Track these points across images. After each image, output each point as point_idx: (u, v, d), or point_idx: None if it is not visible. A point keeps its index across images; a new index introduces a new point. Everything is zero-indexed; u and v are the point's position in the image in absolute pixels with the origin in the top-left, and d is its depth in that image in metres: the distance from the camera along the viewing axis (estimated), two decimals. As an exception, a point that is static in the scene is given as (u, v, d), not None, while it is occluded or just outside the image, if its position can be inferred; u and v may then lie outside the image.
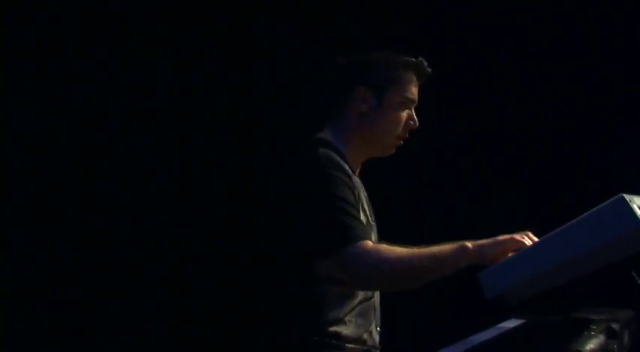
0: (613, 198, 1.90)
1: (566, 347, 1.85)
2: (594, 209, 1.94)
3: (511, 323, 2.24)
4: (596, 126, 3.76)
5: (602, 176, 3.55)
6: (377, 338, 2.38)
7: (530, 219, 2.36)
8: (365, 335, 2.31)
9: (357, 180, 2.38)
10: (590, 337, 1.93)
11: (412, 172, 3.86)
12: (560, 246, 1.96)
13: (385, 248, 2.17)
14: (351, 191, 2.24)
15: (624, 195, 1.88)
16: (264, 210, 2.58)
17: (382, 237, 2.42)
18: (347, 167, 2.32)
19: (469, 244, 2.15)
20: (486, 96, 3.96)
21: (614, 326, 2.02)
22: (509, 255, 2.11)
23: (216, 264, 3.92)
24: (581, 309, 2.11)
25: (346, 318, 2.27)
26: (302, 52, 3.86)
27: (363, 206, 2.33)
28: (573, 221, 1.97)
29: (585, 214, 1.95)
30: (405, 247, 2.17)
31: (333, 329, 2.24)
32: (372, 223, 2.44)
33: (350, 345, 2.26)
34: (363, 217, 2.27)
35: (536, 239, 2.14)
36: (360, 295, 2.31)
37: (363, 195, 2.40)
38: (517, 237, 2.15)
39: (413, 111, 2.44)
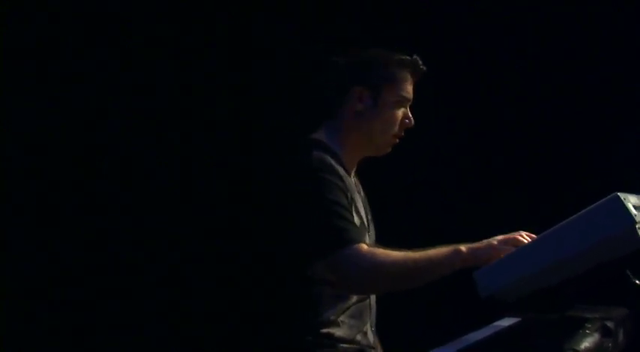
0: (608, 197, 1.90)
1: (562, 346, 1.84)
2: (589, 207, 1.93)
3: (505, 322, 2.24)
4: (596, 126, 3.75)
5: (602, 176, 3.53)
6: (372, 338, 2.38)
7: (530, 219, 2.35)
8: (358, 336, 2.32)
9: (350, 181, 2.38)
10: (585, 335, 1.93)
11: (411, 171, 3.86)
12: (555, 244, 1.96)
13: (380, 251, 2.18)
14: (344, 194, 2.24)
15: (619, 193, 1.88)
16: (262, 211, 2.57)
17: (380, 236, 2.42)
18: (341, 169, 2.32)
19: (463, 247, 2.16)
20: (486, 96, 3.95)
21: (609, 324, 2.02)
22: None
23: (216, 264, 3.92)
24: (576, 308, 2.11)
25: (339, 319, 2.27)
26: (302, 52, 3.86)
27: (357, 208, 2.32)
28: (568, 219, 1.96)
29: (580, 212, 1.95)
30: (400, 250, 2.17)
31: (325, 330, 2.25)
32: (370, 224, 2.44)
33: (343, 345, 2.27)
34: (357, 219, 2.27)
35: (533, 236, 2.14)
36: (355, 296, 2.31)
37: (358, 197, 2.40)
38: (511, 238, 2.15)
39: (408, 109, 2.44)
